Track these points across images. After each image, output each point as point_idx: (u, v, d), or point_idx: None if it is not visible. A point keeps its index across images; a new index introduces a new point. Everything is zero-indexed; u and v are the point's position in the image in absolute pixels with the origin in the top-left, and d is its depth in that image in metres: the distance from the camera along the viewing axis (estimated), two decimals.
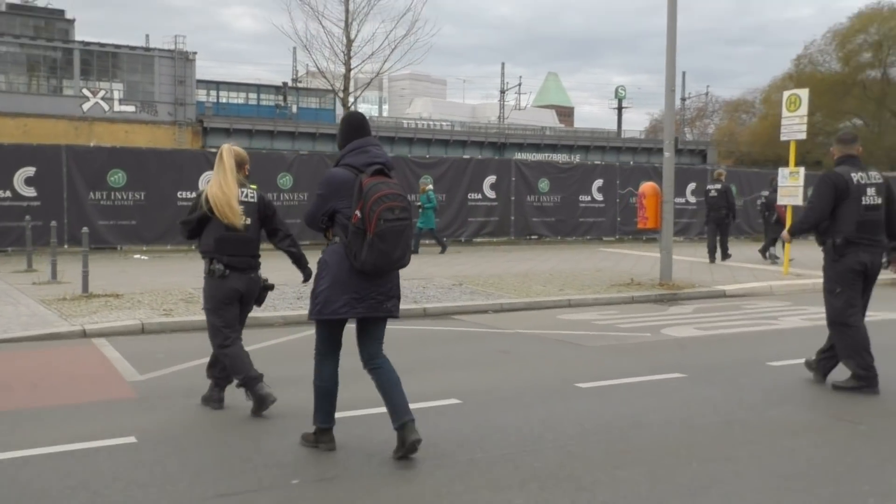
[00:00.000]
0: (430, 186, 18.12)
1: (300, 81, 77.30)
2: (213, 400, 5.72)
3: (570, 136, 70.64)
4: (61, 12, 55.65)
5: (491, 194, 20.35)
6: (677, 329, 9.34)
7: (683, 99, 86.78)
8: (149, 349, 7.96)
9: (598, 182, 21.90)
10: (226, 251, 5.40)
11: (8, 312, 9.64)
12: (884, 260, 6.29)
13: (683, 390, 6.24)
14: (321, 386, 4.70)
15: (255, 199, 5.53)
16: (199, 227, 5.51)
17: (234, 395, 5.76)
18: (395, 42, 11.66)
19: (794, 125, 14.33)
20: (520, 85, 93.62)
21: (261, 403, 5.40)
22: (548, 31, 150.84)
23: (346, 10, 11.58)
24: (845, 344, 6.19)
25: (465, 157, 22.97)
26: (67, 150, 16.51)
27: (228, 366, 5.52)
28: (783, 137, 14.74)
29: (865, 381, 6.12)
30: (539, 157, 50.64)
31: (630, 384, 6.36)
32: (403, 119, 71.98)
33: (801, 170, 14.49)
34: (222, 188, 5.33)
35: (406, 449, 4.49)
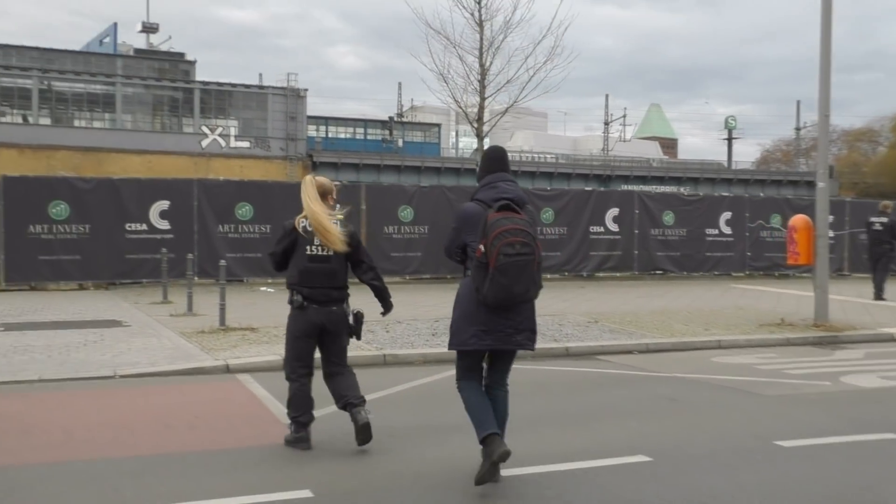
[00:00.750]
0: None
1: (404, 116, 78.67)
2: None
3: (679, 167, 68.87)
4: (182, 55, 58.57)
5: (613, 227, 19.63)
6: (859, 377, 8.45)
7: (798, 129, 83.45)
8: None
9: (727, 215, 20.83)
10: (306, 283, 5.34)
11: (152, 345, 9.67)
12: None
13: None
14: (471, 402, 4.73)
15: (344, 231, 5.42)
16: (284, 258, 5.47)
17: (401, 442, 5.37)
18: (534, 69, 11.27)
19: None
20: (624, 116, 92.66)
21: (292, 444, 5.45)
22: (649, 62, 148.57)
23: (481, 38, 11.28)
24: None
25: (587, 188, 22.36)
26: (199, 184, 16.88)
27: (287, 400, 5.51)
28: None
29: None
30: (652, 188, 49.31)
31: (840, 444, 5.62)
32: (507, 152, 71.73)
33: None
34: (317, 212, 5.29)
35: (492, 464, 4.50)
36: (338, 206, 5.60)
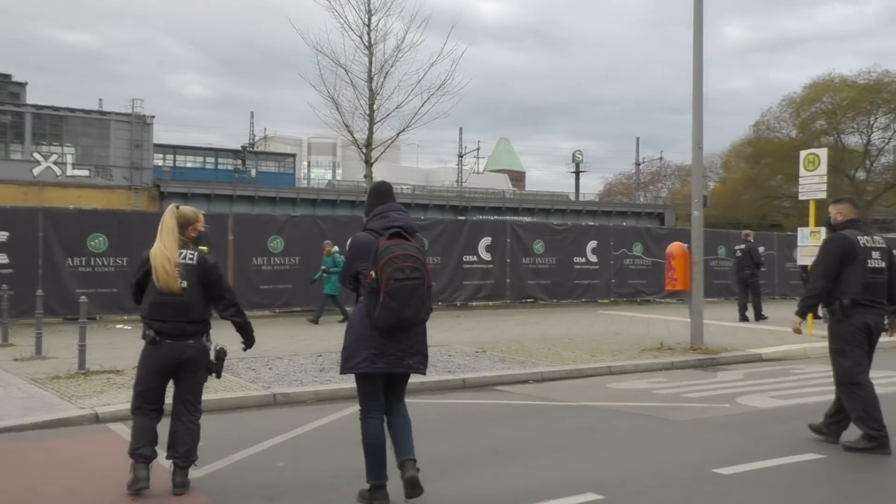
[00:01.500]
0: (336, 248, 15.57)
1: (256, 146, 76.65)
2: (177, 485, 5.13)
3: (530, 198, 70.96)
4: (8, 76, 54.06)
5: (486, 256, 19.60)
6: (752, 398, 8.61)
7: (638, 164, 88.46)
8: None
9: (593, 244, 21.38)
10: (157, 316, 5.09)
11: None
12: (885, 322, 6.32)
13: (846, 475, 5.48)
14: (368, 443, 4.78)
15: (195, 262, 5.15)
16: (139, 290, 5.22)
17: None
18: (427, 93, 10.94)
19: (814, 184, 14.09)
20: (478, 149, 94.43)
21: (131, 485, 5.01)
22: (498, 98, 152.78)
23: (370, 62, 10.89)
24: (856, 404, 6.09)
25: (461, 218, 22.30)
26: (44, 213, 15.27)
27: (133, 437, 5.13)
28: (802, 196, 14.47)
29: (878, 441, 6.00)
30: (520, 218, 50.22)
31: (775, 468, 5.55)
32: (362, 182, 71.10)
33: (823, 230, 14.14)
34: (161, 248, 5.09)
35: (405, 484, 4.63)
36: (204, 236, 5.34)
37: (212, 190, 54.04)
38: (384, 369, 4.72)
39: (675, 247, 12.65)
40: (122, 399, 8.07)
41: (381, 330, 4.61)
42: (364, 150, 11.04)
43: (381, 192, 5.07)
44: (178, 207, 5.30)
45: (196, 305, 5.15)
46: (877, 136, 47.97)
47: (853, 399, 6.11)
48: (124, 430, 7.05)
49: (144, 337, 5.17)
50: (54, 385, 8.90)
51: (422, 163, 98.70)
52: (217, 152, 63.98)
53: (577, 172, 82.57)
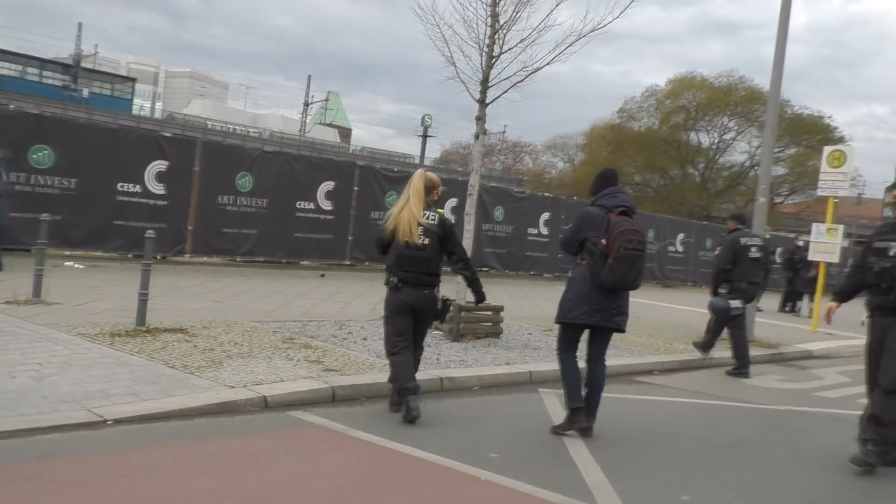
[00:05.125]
0: None
1: (82, 65, 68.54)
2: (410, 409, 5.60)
3: (382, 157, 69.39)
4: None
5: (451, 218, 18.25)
6: None
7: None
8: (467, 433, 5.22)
9: (546, 215, 20.66)
10: (402, 266, 5.72)
11: (78, 358, 6.18)
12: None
13: None
14: (570, 375, 5.70)
15: (436, 222, 5.81)
16: (387, 245, 5.83)
17: None
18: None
19: (837, 181, 14.09)
20: (327, 100, 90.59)
21: (407, 413, 5.58)
22: (325, 49, 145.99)
23: None
24: None
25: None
26: None
27: (392, 372, 5.77)
28: (821, 192, 14.51)
29: None
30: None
31: None
32: (210, 119, 65.80)
33: (840, 227, 14.32)
34: (409, 209, 5.73)
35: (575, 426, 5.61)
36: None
37: (38, 106, 47.38)
38: (599, 322, 5.58)
39: None
40: (255, 376, 6.18)
41: (605, 289, 5.46)
42: (480, 91, 9.33)
43: (609, 177, 5.94)
44: (425, 172, 5.95)
45: (433, 260, 5.80)
46: (729, 136, 51.28)
47: None
48: (323, 423, 5.33)
49: (387, 283, 5.84)
50: (129, 346, 6.74)
51: (249, 106, 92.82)
52: (43, 63, 56.33)
53: (425, 136, 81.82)
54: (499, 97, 9.56)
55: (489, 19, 9.24)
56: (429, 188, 5.85)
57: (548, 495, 4.24)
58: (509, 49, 9.35)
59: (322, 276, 14.80)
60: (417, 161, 77.91)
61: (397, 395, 5.76)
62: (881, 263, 5.59)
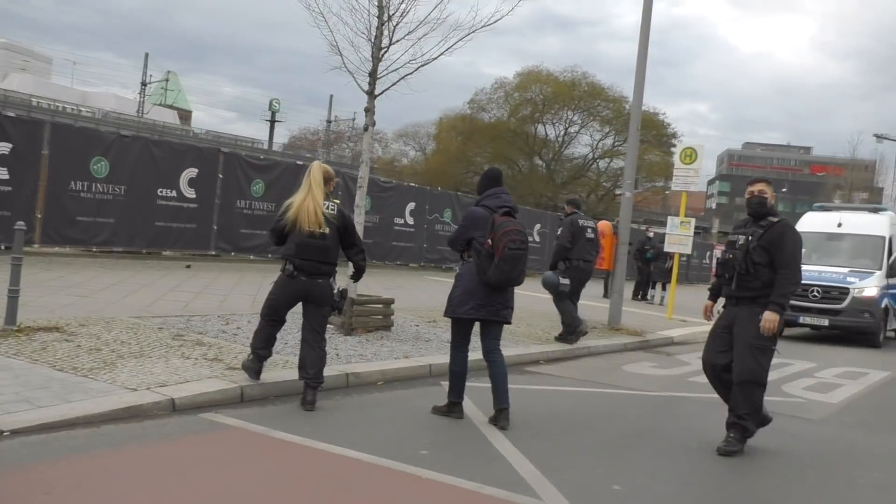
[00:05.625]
0: None
1: None
2: (307, 402, 5.85)
3: (230, 143, 66.98)
4: None
5: None
6: (799, 383, 9.03)
7: (329, 121, 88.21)
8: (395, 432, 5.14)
9: (411, 205, 20.70)
10: (301, 255, 5.86)
11: None
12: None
13: None
14: (456, 370, 6.05)
15: (336, 213, 6.00)
16: (284, 234, 5.94)
17: None
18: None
19: (689, 177, 15.04)
20: (167, 80, 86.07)
21: (246, 368, 6.03)
22: (157, 25, 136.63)
23: None
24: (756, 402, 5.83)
25: (298, 161, 19.88)
26: None
27: (256, 331, 6.11)
28: (674, 188, 15.44)
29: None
30: None
31: None
32: (10, 92, 60.64)
33: (692, 221, 15.32)
34: (311, 198, 5.86)
35: (498, 423, 5.81)
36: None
37: None
38: (486, 317, 5.89)
39: (604, 225, 12.78)
40: (155, 377, 5.86)
41: (491, 286, 5.77)
42: (369, 83, 9.14)
43: (493, 178, 6.23)
44: (321, 164, 6.14)
45: (333, 249, 5.98)
46: (573, 129, 53.47)
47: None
48: (240, 424, 5.13)
49: (283, 271, 5.97)
50: (3, 348, 6.19)
51: (76, 83, 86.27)
52: None
53: (273, 121, 79.93)
54: (388, 89, 9.48)
55: (376, 9, 9.11)
56: (326, 179, 6.03)
57: (493, 492, 4.28)
58: (397, 41, 9.29)
59: (188, 266, 14.13)
60: (266, 146, 75.93)
61: (250, 356, 6.05)
62: (726, 255, 5.95)
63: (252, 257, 16.76)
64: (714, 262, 37.15)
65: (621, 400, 7.58)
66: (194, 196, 15.26)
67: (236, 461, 4.50)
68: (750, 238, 5.78)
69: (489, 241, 5.75)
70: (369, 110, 9.34)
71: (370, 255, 19.41)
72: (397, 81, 9.41)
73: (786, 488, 5.05)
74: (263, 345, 6.05)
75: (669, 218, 15.60)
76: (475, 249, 5.86)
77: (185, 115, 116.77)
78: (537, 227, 25.94)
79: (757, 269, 5.70)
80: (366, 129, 9.56)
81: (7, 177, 12.54)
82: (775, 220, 5.86)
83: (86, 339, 6.88)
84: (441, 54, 9.38)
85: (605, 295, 19.02)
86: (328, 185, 6.04)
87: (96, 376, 5.73)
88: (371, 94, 9.26)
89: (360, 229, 9.52)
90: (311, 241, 5.82)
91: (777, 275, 5.66)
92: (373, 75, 9.19)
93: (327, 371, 6.77)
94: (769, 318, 5.61)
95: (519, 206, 26.20)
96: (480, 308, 5.81)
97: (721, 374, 5.95)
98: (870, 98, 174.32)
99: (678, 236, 15.13)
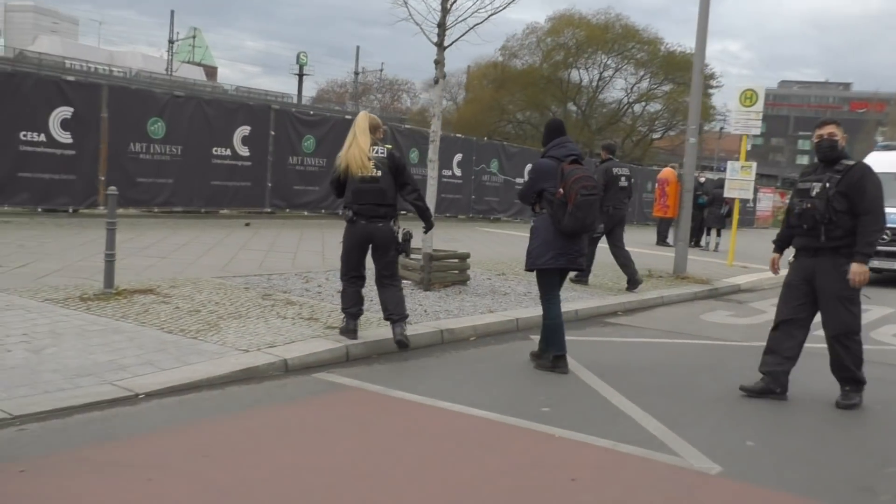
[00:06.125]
0: None
1: None
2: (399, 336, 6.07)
3: (261, 98, 66.78)
4: None
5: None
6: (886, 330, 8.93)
7: (357, 73, 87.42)
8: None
9: (458, 157, 20.54)
10: (358, 200, 5.99)
11: (65, 327, 5.65)
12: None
13: None
14: (553, 322, 6.04)
15: (386, 156, 6.08)
16: (341, 185, 6.10)
17: None
18: None
19: (750, 119, 14.63)
20: (194, 37, 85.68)
21: (344, 333, 6.08)
22: None
23: None
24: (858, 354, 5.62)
25: (347, 117, 19.72)
26: None
27: (342, 300, 6.22)
28: (735, 131, 15.06)
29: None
30: None
31: None
32: (66, 58, 60.77)
33: (754, 164, 15.01)
34: (356, 146, 5.99)
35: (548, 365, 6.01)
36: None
37: None
38: (565, 265, 6.05)
39: (668, 173, 12.56)
40: (261, 338, 5.90)
41: (567, 234, 5.86)
42: (437, 34, 8.96)
43: (557, 128, 6.28)
44: (368, 113, 6.27)
45: (389, 191, 6.06)
46: (608, 73, 52.52)
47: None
48: (356, 384, 5.16)
49: (344, 216, 6.16)
50: (109, 311, 6.25)
51: (103, 43, 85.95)
52: None
53: (301, 75, 79.22)
54: (457, 40, 9.28)
55: None
56: (373, 127, 6.16)
57: (630, 449, 4.25)
58: None
59: (247, 225, 14.20)
60: (295, 100, 75.60)
61: (343, 319, 6.17)
62: (802, 205, 5.56)
63: (306, 213, 16.80)
64: (760, 206, 36.52)
65: (715, 351, 7.51)
66: (248, 154, 15.26)
67: (368, 421, 4.52)
68: (828, 185, 5.44)
69: (560, 190, 5.82)
70: (439, 62, 9.16)
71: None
72: (466, 32, 9.21)
73: None
74: (353, 303, 6.15)
75: (729, 163, 15.23)
76: (547, 200, 5.93)
77: (210, 72, 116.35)
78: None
79: (839, 217, 5.40)
80: (436, 81, 9.38)
81: (70, 141, 12.60)
82: (851, 163, 5.54)
83: (181, 300, 6.94)
84: (512, 1, 9.14)
85: (658, 242, 18.88)
86: (376, 132, 6.17)
87: (205, 337, 5.78)
88: (440, 46, 9.07)
89: (432, 184, 9.51)
90: (364, 185, 5.96)
91: (859, 221, 5.36)
92: (441, 26, 8.99)
93: (421, 328, 6.83)
94: (858, 271, 5.36)
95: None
96: (560, 256, 5.93)
97: (794, 331, 5.69)
98: None
99: (739, 181, 14.81)
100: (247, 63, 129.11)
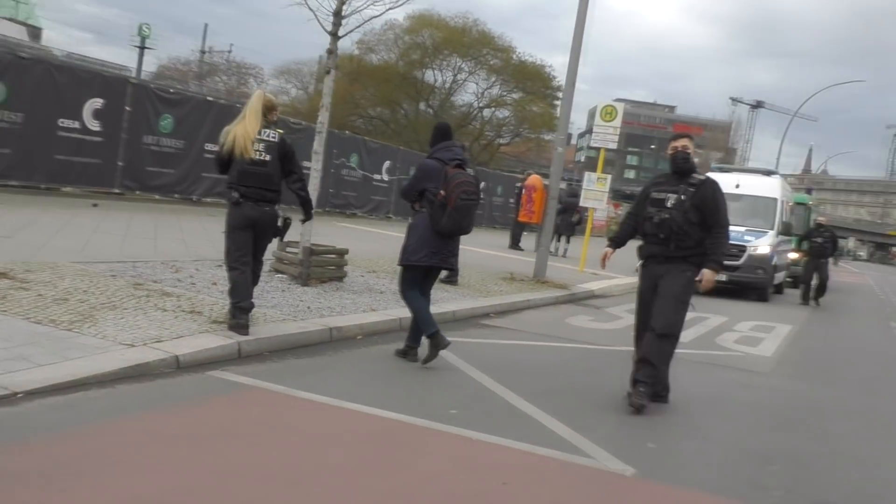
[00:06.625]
0: None
1: None
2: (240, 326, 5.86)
3: (96, 67, 62.28)
4: None
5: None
6: (727, 337, 9.59)
7: (203, 52, 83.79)
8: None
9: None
10: (243, 182, 5.91)
11: None
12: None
13: None
14: (420, 309, 6.20)
15: (276, 140, 6.01)
16: (226, 162, 5.97)
17: None
18: None
19: (609, 134, 15.37)
20: None
21: (234, 329, 5.83)
22: None
23: None
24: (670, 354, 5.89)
25: (209, 98, 18.51)
26: None
27: (230, 287, 5.93)
28: (594, 144, 15.75)
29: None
30: None
31: None
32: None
33: (609, 177, 15.77)
34: (244, 128, 5.86)
35: (434, 350, 6.08)
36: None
37: None
38: (438, 264, 6.24)
39: (535, 180, 12.90)
40: (144, 332, 5.54)
41: (443, 234, 6.09)
42: (333, 25, 8.69)
43: (445, 131, 6.47)
44: (264, 93, 6.14)
45: (276, 176, 6.03)
46: (461, 77, 53.32)
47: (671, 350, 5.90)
48: (257, 384, 4.96)
49: (229, 198, 5.96)
50: None
51: None
52: None
53: (143, 48, 74.66)
54: (353, 31, 9.10)
55: None
56: (267, 108, 6.05)
57: (548, 452, 4.33)
58: None
59: (95, 205, 13.20)
60: (134, 73, 71.16)
61: (232, 312, 5.90)
62: (660, 215, 5.78)
63: (157, 197, 15.86)
64: (596, 215, 38.37)
65: (588, 354, 7.82)
66: (99, 129, 14.20)
67: (281, 424, 4.32)
68: (683, 197, 5.76)
69: (442, 192, 6.02)
70: (332, 52, 8.94)
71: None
72: (362, 24, 9.06)
73: (786, 441, 5.39)
74: (242, 296, 5.89)
75: (587, 174, 15.96)
76: (428, 200, 6.13)
77: (35, 33, 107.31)
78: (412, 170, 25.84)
79: (691, 228, 5.72)
80: (328, 71, 9.14)
81: None
82: (702, 177, 5.89)
83: (42, 287, 6.34)
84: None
85: (511, 246, 19.43)
86: (271, 114, 6.08)
87: (81, 329, 5.31)
88: (335, 36, 8.85)
89: (315, 176, 9.26)
90: (251, 168, 5.87)
91: (712, 233, 5.75)
92: (337, 15, 8.77)
93: (310, 325, 6.66)
94: (710, 278, 5.71)
95: (403, 151, 26.09)
96: (433, 255, 6.14)
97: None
98: (731, 62, 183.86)
99: (594, 192, 15.53)
100: (77, 28, 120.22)
